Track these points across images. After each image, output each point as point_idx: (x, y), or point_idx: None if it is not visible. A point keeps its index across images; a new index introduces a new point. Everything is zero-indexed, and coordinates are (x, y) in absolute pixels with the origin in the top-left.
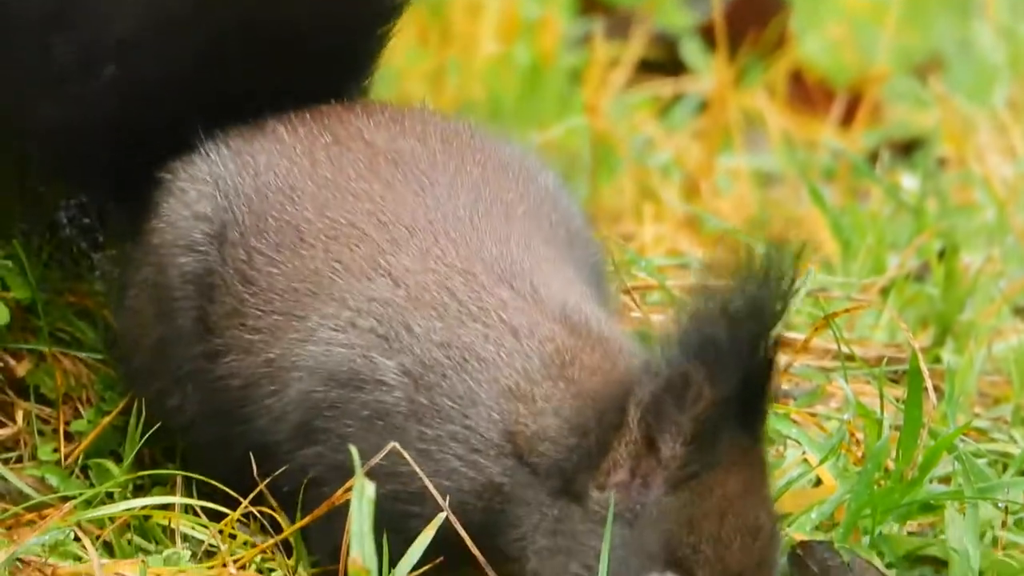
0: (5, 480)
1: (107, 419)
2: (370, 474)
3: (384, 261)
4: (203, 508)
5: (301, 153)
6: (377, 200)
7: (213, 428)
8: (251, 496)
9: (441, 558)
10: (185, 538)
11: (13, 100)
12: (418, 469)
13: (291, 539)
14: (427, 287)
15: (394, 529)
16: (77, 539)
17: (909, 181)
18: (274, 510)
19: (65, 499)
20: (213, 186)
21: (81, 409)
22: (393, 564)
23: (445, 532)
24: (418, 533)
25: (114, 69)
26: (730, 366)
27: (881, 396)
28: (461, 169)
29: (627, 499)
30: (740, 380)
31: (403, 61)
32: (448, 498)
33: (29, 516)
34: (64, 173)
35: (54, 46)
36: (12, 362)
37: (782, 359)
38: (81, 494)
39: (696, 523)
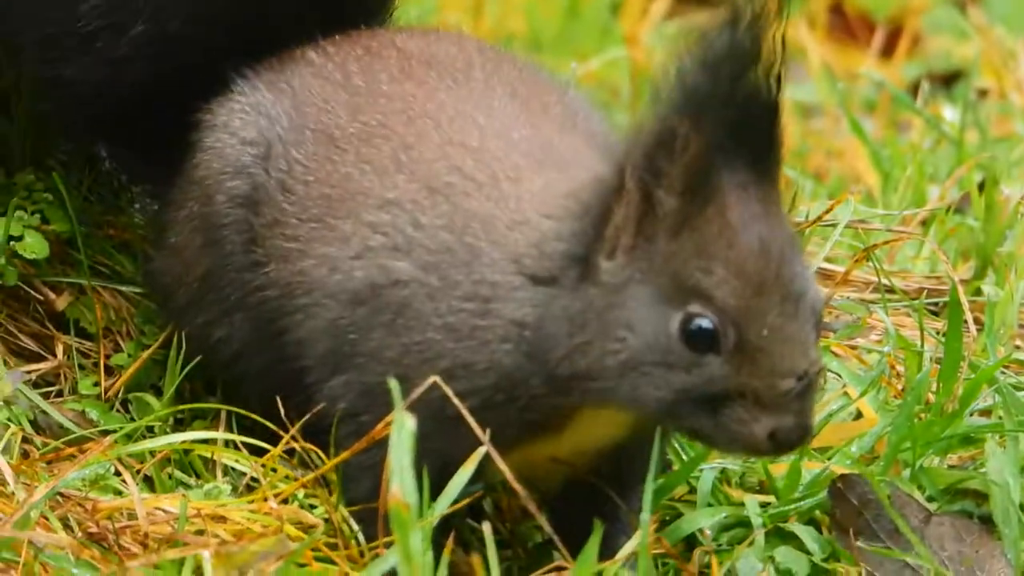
0: (46, 414)
1: (147, 353)
2: (402, 372)
3: (405, 156)
4: (244, 443)
5: (333, 68)
6: (408, 99)
7: (256, 357)
8: (293, 430)
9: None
10: (226, 472)
11: (45, 62)
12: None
13: (330, 474)
14: (439, 173)
15: (443, 419)
16: (117, 473)
17: (949, 113)
18: (316, 445)
19: (105, 433)
20: (255, 113)
21: (121, 343)
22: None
23: (485, 402)
24: (469, 406)
25: (143, 28)
26: (712, 111)
27: (921, 329)
28: (498, 70)
29: (636, 260)
30: (725, 123)
31: None
32: (479, 361)
33: (70, 450)
34: (96, 132)
35: (83, 6)
36: (52, 296)
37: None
38: (121, 428)
39: (703, 252)
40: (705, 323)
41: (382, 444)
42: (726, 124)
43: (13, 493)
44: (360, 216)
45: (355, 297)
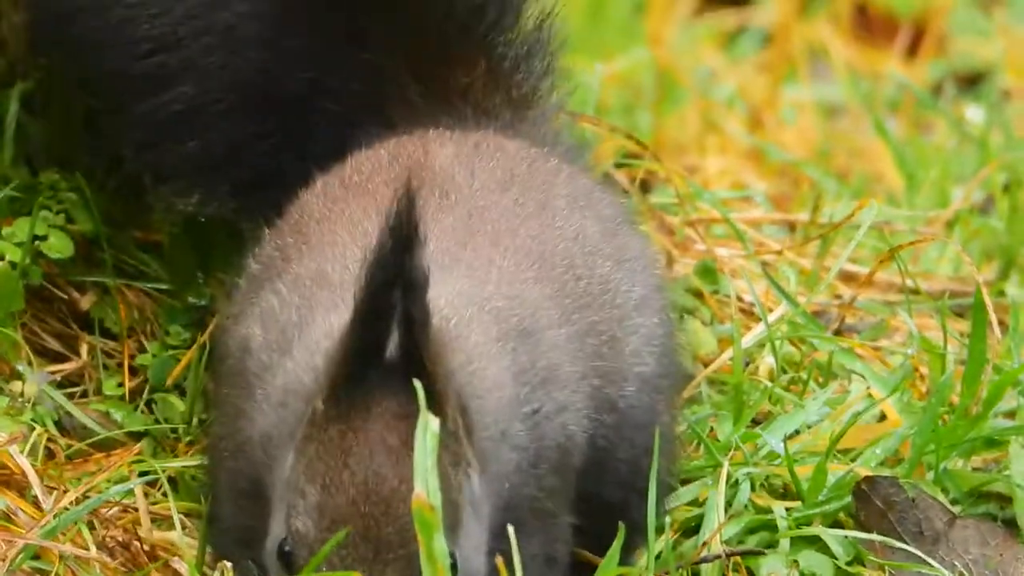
0: (70, 415)
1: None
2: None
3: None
4: None
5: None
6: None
7: None
8: None
9: None
10: None
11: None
12: None
13: None
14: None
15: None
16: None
17: (973, 113)
18: None
19: (130, 435)
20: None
21: (145, 343)
22: None
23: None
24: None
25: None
26: (367, 320)
27: (944, 330)
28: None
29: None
30: (378, 333)
31: None
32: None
33: (97, 456)
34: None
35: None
36: (76, 295)
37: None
38: (146, 430)
39: (309, 470)
40: (288, 548)
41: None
42: (378, 338)
43: (36, 497)
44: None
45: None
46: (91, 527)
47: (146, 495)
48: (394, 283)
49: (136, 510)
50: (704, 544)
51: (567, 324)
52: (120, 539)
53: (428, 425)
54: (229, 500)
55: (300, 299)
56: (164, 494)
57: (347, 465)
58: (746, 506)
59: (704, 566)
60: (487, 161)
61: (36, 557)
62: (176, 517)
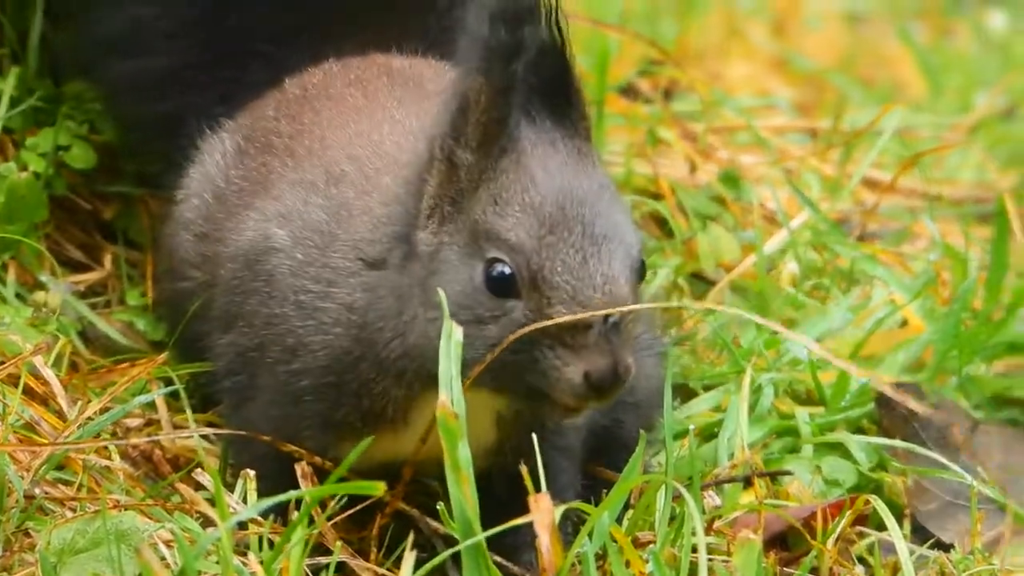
0: (93, 325)
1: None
2: (262, 341)
3: (319, 145)
4: None
5: (294, 86)
6: (347, 99)
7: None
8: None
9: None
10: None
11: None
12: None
13: None
14: (339, 161)
15: (287, 393)
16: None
17: (997, 19)
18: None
19: (152, 344)
20: (205, 161)
21: None
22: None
23: (317, 384)
24: (305, 385)
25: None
26: (498, 61)
27: (967, 236)
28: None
29: (446, 224)
30: (515, 74)
31: None
32: (314, 342)
33: (121, 367)
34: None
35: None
36: (100, 205)
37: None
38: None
39: (499, 199)
40: (504, 267)
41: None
42: (518, 76)
43: (60, 408)
44: (270, 191)
45: (244, 259)
46: (115, 436)
47: (168, 407)
48: (508, 18)
49: (158, 420)
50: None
51: None
52: (143, 448)
53: (452, 333)
54: (283, 403)
55: (325, 198)
56: (181, 409)
57: (536, 183)
58: (769, 411)
59: (732, 470)
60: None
61: (60, 467)
62: (194, 427)
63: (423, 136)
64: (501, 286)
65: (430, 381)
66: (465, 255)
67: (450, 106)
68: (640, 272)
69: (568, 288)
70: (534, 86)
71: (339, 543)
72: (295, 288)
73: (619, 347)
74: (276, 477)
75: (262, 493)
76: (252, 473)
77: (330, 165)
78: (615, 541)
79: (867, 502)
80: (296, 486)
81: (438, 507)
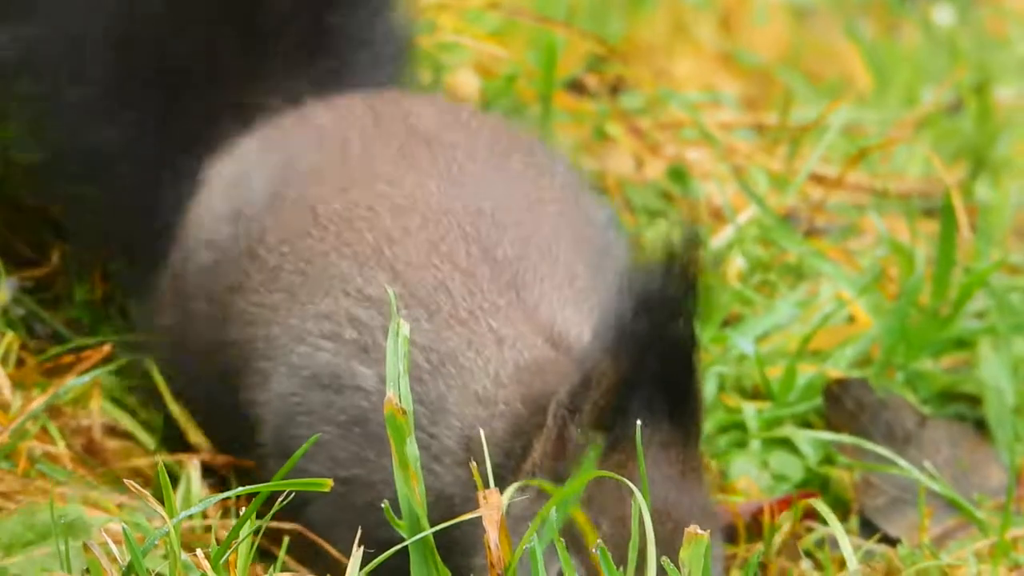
0: (41, 321)
1: None
2: (345, 482)
3: (390, 251)
4: None
5: (334, 134)
6: (399, 182)
7: (214, 406)
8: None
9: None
10: None
11: None
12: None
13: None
14: (424, 284)
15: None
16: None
17: (943, 14)
18: None
19: (100, 341)
20: (234, 177)
21: None
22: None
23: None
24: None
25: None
26: (633, 350)
27: (913, 232)
28: (502, 163)
29: (542, 498)
30: (644, 364)
31: None
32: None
33: (67, 359)
34: None
35: None
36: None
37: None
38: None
39: (595, 501)
40: None
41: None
42: (645, 368)
43: (9, 402)
44: (339, 301)
45: (314, 378)
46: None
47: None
48: (652, 310)
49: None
50: None
51: None
52: (88, 441)
53: (399, 330)
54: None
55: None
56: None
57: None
58: (714, 405)
59: None
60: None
61: (7, 456)
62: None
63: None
64: None
65: None
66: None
67: (573, 377)
68: None
69: None
70: (659, 384)
71: (287, 538)
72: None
73: None
74: None
75: None
76: (195, 463)
77: (415, 287)
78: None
79: (812, 495)
80: None
81: (383, 505)
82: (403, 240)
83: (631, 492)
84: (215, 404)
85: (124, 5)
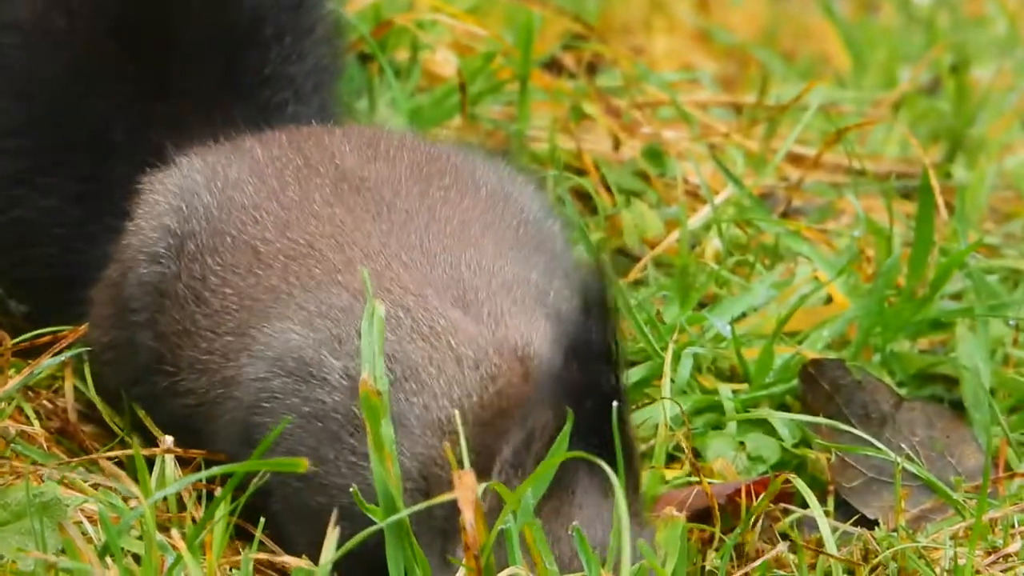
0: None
1: None
2: (302, 479)
3: (341, 279)
4: None
5: (271, 174)
6: (337, 223)
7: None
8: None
9: None
10: None
11: None
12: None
13: None
14: (384, 303)
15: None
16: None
17: None
18: None
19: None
20: (180, 198)
21: None
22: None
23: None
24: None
25: None
26: (569, 401)
27: (891, 212)
28: (424, 193)
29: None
30: (580, 413)
31: None
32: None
33: (44, 339)
34: None
35: None
36: None
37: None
38: None
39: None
40: None
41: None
42: (582, 417)
43: None
44: (304, 306)
45: (279, 362)
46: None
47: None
48: (579, 360)
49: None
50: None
51: None
52: (62, 423)
53: (375, 311)
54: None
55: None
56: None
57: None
58: (690, 386)
59: (653, 448)
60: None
61: None
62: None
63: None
64: None
65: None
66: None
67: (516, 433)
68: None
69: None
70: (593, 427)
71: (262, 520)
72: (352, 448)
73: None
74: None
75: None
76: (169, 441)
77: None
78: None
79: (787, 481)
80: None
81: (351, 490)
82: (350, 271)
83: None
84: (172, 415)
85: (25, 71)
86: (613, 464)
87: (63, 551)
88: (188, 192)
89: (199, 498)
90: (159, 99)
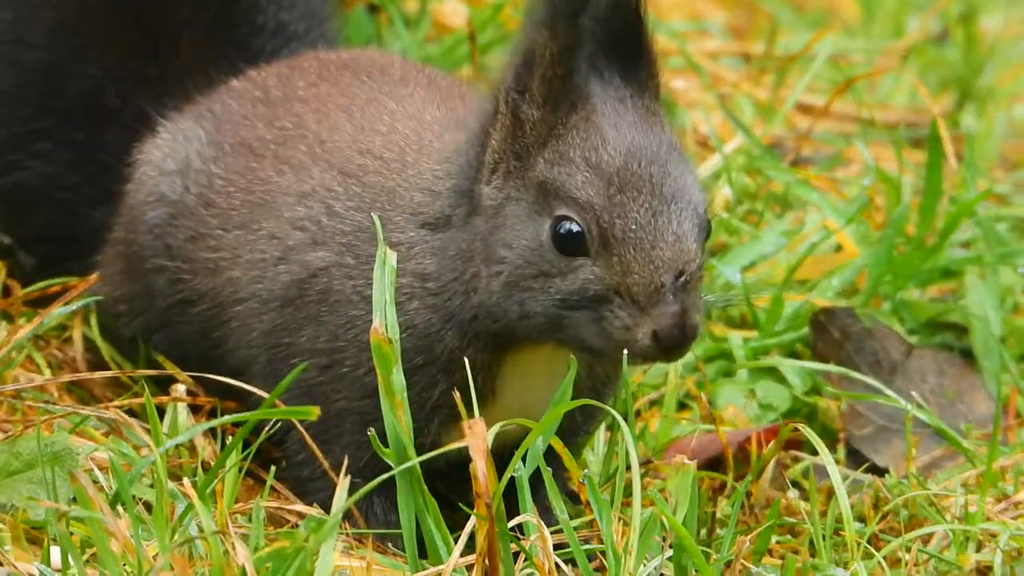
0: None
1: None
2: (329, 362)
3: (320, 149)
4: None
5: (253, 87)
6: (323, 97)
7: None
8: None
9: None
10: None
11: None
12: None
13: None
14: (351, 158)
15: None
16: None
17: None
18: None
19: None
20: (173, 140)
21: None
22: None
23: (408, 367)
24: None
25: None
26: (564, 18)
27: (900, 161)
28: (418, 70)
29: (511, 179)
30: (584, 30)
31: None
32: (405, 324)
33: (55, 288)
34: None
35: None
36: None
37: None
38: None
39: (567, 157)
40: (572, 225)
41: (330, 451)
42: (585, 31)
43: None
44: (281, 214)
45: (284, 300)
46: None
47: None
48: None
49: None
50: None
51: None
52: (73, 374)
53: (386, 258)
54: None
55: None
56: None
57: (606, 141)
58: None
59: (664, 395)
60: None
61: None
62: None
63: (429, 121)
64: (569, 244)
65: (507, 341)
66: (532, 211)
67: (515, 60)
68: (707, 230)
69: (638, 246)
70: (603, 42)
71: (273, 467)
72: (358, 287)
73: (688, 306)
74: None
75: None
76: (182, 389)
77: (343, 165)
78: (550, 466)
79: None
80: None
81: (369, 433)
82: (331, 137)
83: (601, 139)
84: (191, 356)
85: (12, 33)
86: (629, 62)
87: (75, 500)
88: (178, 131)
89: (214, 436)
90: (151, 58)
